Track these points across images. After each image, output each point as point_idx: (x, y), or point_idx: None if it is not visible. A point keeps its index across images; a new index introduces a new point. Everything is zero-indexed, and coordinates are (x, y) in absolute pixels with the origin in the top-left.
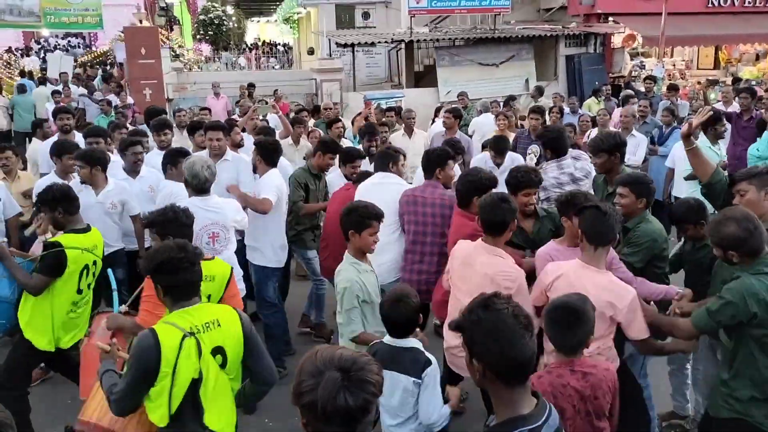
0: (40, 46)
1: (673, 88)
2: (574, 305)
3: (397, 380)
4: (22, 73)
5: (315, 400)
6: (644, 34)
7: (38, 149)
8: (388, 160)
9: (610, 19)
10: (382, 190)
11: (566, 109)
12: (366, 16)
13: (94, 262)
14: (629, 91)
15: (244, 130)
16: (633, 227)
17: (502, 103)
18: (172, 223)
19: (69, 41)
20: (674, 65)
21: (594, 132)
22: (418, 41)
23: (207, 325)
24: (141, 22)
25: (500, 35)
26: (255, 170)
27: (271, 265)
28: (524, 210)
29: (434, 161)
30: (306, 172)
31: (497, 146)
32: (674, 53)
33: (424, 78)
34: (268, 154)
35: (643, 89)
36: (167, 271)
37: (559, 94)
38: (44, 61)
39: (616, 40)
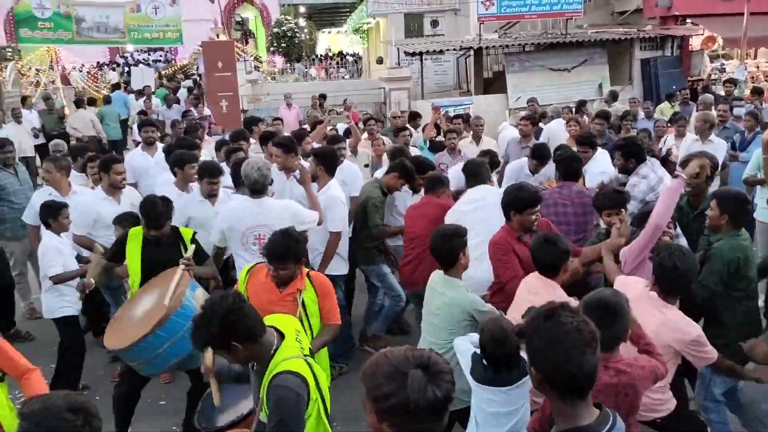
0: (124, 61)
1: (756, 92)
2: (609, 300)
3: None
4: (117, 86)
5: (404, 401)
6: (725, 35)
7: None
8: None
9: (688, 21)
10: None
11: (641, 114)
12: (435, 24)
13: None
14: (707, 96)
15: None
16: (712, 244)
17: (574, 109)
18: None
19: (150, 55)
20: (758, 67)
21: (670, 138)
22: (487, 48)
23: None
24: (218, 36)
25: (572, 39)
26: (313, 179)
27: (338, 273)
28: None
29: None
30: (378, 189)
31: (539, 153)
32: (758, 55)
33: (493, 84)
34: (328, 162)
35: (723, 93)
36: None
37: (635, 99)
38: (128, 74)
39: (695, 43)
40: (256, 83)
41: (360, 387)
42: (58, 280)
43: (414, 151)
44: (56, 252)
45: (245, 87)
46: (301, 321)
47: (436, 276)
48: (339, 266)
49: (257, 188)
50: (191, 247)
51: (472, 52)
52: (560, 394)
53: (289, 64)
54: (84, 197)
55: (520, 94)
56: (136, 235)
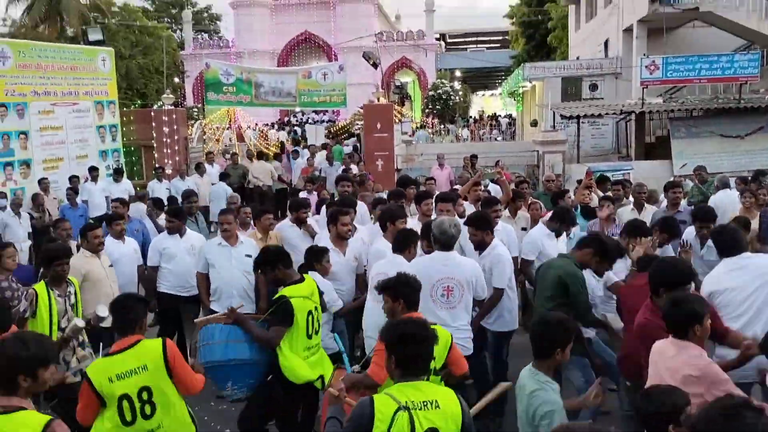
0: (295, 120)
1: None
2: None
3: None
4: (296, 142)
5: None
6: None
7: None
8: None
9: None
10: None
11: None
12: (593, 87)
13: (315, 308)
14: None
15: (466, 199)
16: None
17: (750, 178)
18: (405, 287)
19: (316, 116)
20: None
21: None
22: (650, 112)
23: (425, 403)
24: (378, 99)
25: (747, 105)
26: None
27: (507, 329)
28: None
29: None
30: (575, 265)
31: (561, 216)
32: None
33: (656, 150)
34: (484, 225)
35: None
36: (407, 344)
37: None
38: (294, 132)
39: None
40: (410, 143)
41: None
42: None
43: None
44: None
45: (400, 147)
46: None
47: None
48: (511, 322)
49: (452, 243)
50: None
51: (633, 116)
52: None
53: (443, 126)
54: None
55: (686, 160)
56: None
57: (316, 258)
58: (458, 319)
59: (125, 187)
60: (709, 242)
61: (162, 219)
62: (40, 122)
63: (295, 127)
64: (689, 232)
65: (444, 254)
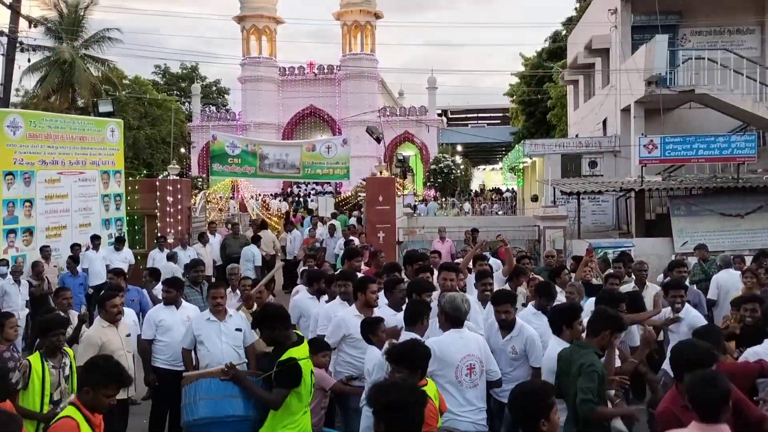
0: (298, 191)
1: None
2: None
3: None
4: (310, 212)
5: None
6: None
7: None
8: None
9: None
10: None
11: None
12: (593, 164)
13: (311, 371)
14: None
15: (470, 271)
16: None
17: (753, 258)
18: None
19: (317, 187)
20: None
21: None
22: (650, 190)
23: None
24: (381, 172)
25: (745, 184)
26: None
27: None
28: None
29: None
30: (595, 354)
31: (545, 291)
32: None
33: (657, 227)
34: (513, 300)
35: None
36: (397, 411)
37: None
38: (298, 203)
39: None
40: (411, 216)
41: None
42: None
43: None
44: None
45: (401, 219)
46: None
47: None
48: None
49: (463, 319)
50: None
51: (633, 194)
52: None
53: (444, 199)
54: (341, 311)
55: (687, 238)
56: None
57: (371, 329)
58: (481, 399)
59: (125, 256)
60: None
61: (158, 289)
62: (46, 190)
63: (299, 198)
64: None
65: (459, 331)
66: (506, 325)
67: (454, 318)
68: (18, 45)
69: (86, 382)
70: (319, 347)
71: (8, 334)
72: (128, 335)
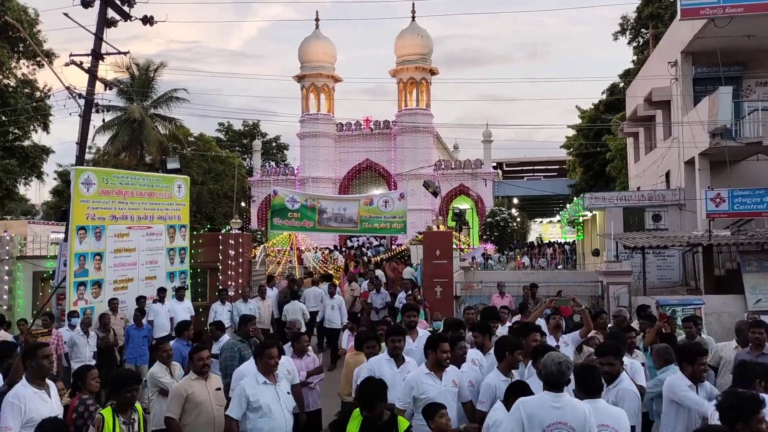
0: (352, 244)
1: None
2: None
3: None
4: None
5: None
6: None
7: None
8: None
9: None
10: None
11: None
12: (657, 218)
13: None
14: None
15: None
16: None
17: None
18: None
19: (374, 240)
20: None
21: None
22: (718, 245)
23: None
24: (438, 227)
25: None
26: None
27: None
28: None
29: None
30: None
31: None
32: None
33: (726, 283)
34: (619, 353)
35: None
36: None
37: None
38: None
39: None
40: (469, 270)
41: None
42: None
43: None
44: None
45: (459, 274)
46: None
47: None
48: None
49: (555, 381)
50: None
51: (700, 249)
52: None
53: (502, 253)
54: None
55: (761, 295)
56: (356, 416)
57: (429, 416)
58: None
59: (188, 306)
60: None
61: (221, 341)
62: (115, 244)
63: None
64: None
65: (554, 395)
66: (609, 379)
67: (546, 378)
68: (93, 107)
69: None
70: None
71: (90, 386)
72: (218, 389)
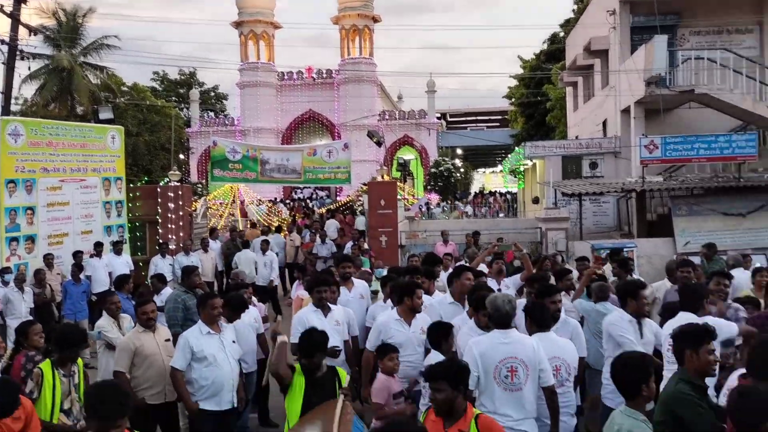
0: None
1: None
2: None
3: None
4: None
5: None
6: None
7: None
8: None
9: None
10: None
11: None
12: (593, 166)
13: None
14: None
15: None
16: None
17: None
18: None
19: (318, 192)
20: None
21: None
22: (651, 190)
23: None
24: (382, 177)
25: (747, 184)
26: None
27: None
28: None
29: None
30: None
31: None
32: None
33: (658, 227)
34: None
35: None
36: None
37: None
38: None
39: None
40: (413, 220)
41: None
42: None
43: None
44: None
45: (403, 223)
46: None
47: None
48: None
49: (508, 321)
50: (347, 379)
51: (634, 195)
52: None
53: (445, 202)
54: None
55: (689, 238)
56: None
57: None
58: (524, 408)
59: (126, 260)
60: None
61: (163, 294)
62: (48, 198)
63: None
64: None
65: (503, 332)
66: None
67: (498, 319)
68: (18, 53)
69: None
70: (385, 350)
71: (34, 341)
72: (167, 340)
